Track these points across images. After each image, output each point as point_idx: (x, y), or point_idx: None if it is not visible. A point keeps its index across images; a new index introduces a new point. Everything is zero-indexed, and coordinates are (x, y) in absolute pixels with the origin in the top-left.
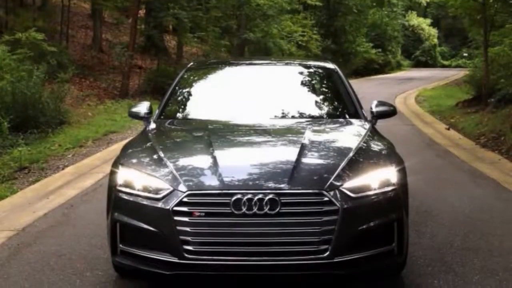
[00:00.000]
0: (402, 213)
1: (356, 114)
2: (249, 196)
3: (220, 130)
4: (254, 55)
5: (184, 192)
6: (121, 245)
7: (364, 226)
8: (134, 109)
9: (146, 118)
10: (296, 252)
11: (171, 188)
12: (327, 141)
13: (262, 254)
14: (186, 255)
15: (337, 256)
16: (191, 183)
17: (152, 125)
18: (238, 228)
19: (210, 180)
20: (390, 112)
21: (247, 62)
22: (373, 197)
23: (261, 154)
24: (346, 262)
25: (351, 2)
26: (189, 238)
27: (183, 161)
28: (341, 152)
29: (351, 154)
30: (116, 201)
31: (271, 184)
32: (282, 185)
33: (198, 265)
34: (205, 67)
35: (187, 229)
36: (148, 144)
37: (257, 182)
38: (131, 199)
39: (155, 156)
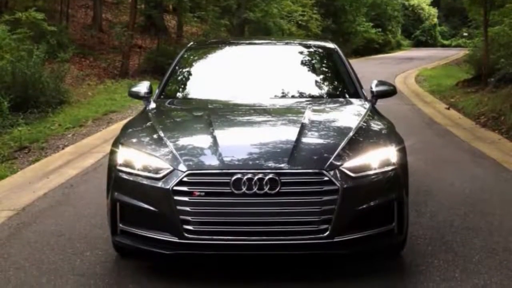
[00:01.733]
0: (402, 193)
1: (356, 94)
2: (249, 175)
3: (220, 109)
4: (254, 35)
5: (184, 172)
6: (121, 225)
7: (364, 206)
8: (134, 89)
9: (146, 98)
10: (296, 231)
11: (171, 168)
12: (327, 121)
13: (262, 234)
14: (186, 234)
15: (337, 236)
16: (191, 163)
17: (152, 105)
18: (238, 208)
19: (210, 160)
20: (390, 91)
21: (247, 42)
22: (373, 176)
23: (261, 134)
24: (346, 241)
25: None
26: (189, 218)
27: (183, 141)
28: (341, 131)
29: (351, 134)
30: (116, 181)
31: (271, 164)
32: (282, 165)
33: (198, 244)
34: (205, 47)
35: (187, 208)
36: (148, 124)
37: (257, 161)
38: (131, 178)
39: (155, 136)
